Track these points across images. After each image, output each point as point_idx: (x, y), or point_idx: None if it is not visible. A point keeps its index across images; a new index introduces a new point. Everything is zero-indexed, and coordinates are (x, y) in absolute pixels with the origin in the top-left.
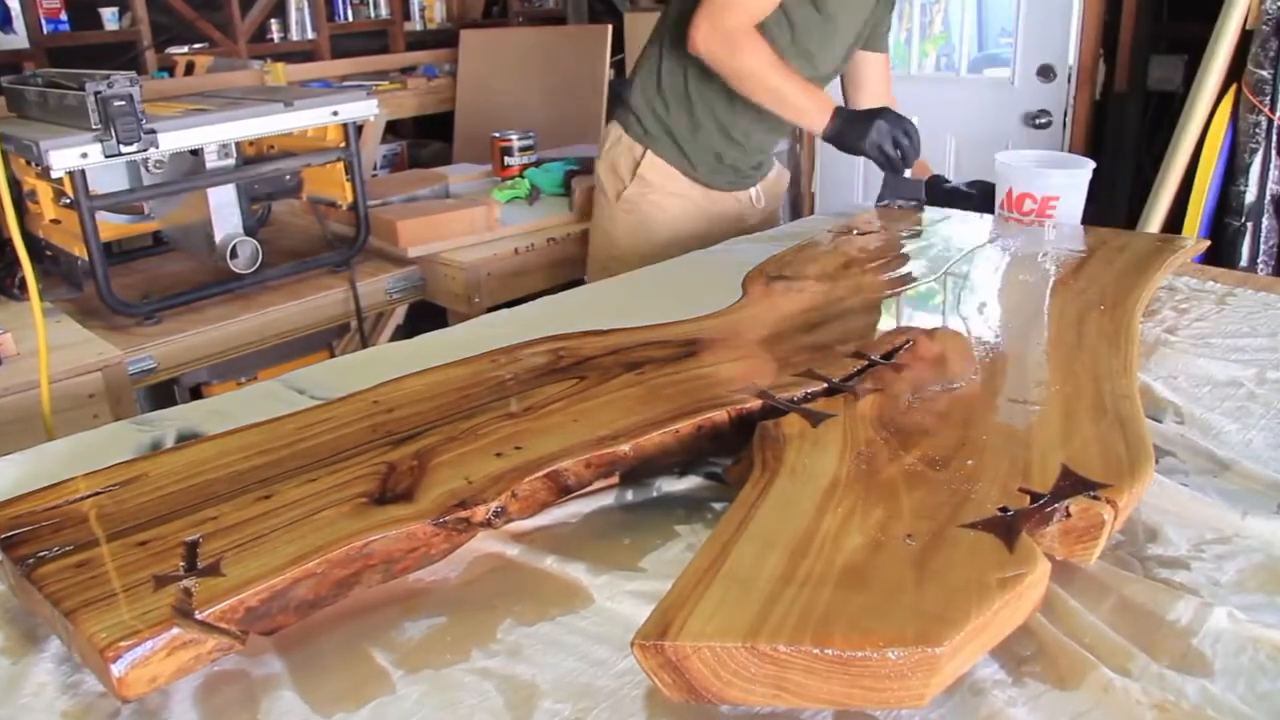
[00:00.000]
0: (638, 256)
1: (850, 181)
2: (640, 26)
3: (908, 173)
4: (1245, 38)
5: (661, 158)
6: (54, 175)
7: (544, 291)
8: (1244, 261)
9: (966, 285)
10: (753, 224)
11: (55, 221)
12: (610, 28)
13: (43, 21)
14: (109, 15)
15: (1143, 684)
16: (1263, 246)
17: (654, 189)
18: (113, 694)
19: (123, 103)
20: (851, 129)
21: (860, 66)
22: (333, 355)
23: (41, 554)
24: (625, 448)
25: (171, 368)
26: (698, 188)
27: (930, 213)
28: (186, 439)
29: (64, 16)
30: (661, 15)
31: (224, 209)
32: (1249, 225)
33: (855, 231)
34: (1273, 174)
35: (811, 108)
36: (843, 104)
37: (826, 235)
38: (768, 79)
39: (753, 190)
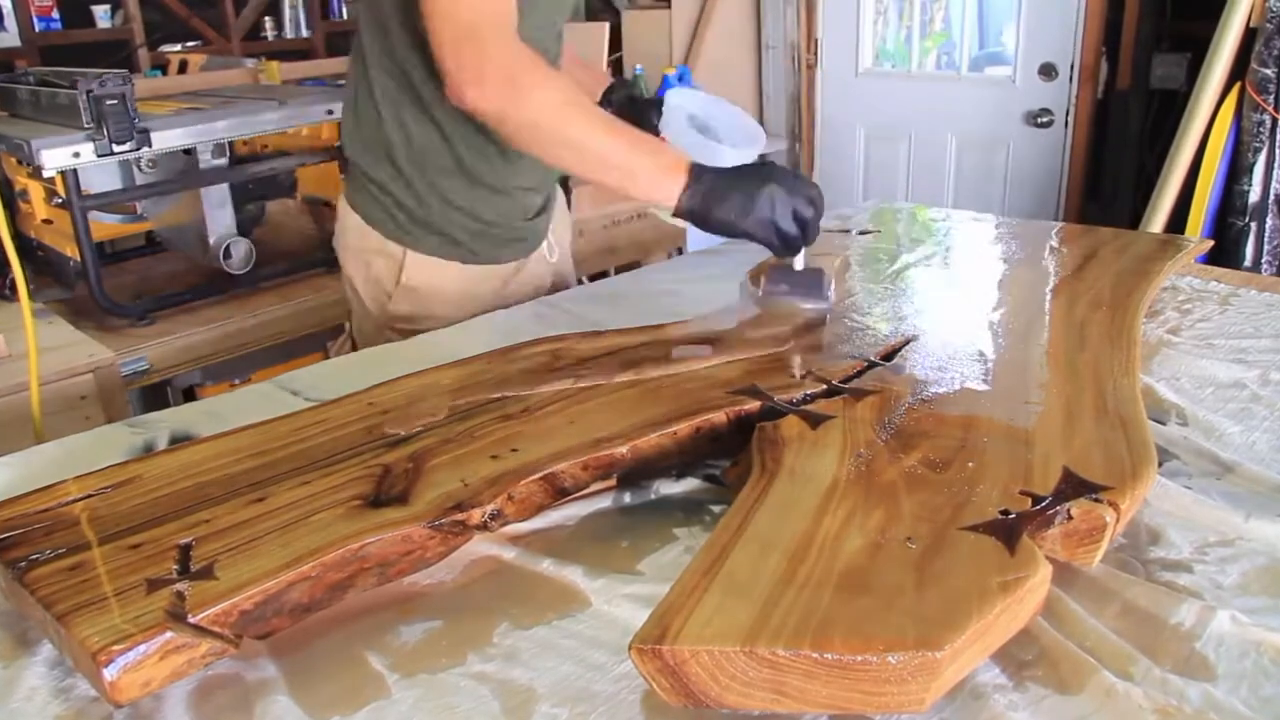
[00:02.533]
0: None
1: (851, 177)
2: (639, 24)
3: (802, 258)
4: (1249, 36)
5: (427, 254)
6: (46, 175)
7: None
8: (1248, 262)
9: (967, 285)
10: (554, 282)
11: (47, 221)
12: (608, 25)
13: (34, 19)
14: (101, 13)
15: (1145, 688)
16: (1267, 246)
17: (427, 296)
18: (105, 698)
19: (115, 101)
20: (724, 197)
21: None
22: (327, 356)
23: (33, 557)
24: (623, 450)
25: (164, 369)
26: (481, 268)
27: (931, 213)
28: (180, 441)
29: (56, 14)
30: (359, 38)
31: (217, 209)
32: (1253, 225)
33: (853, 231)
34: (1276, 173)
35: (647, 165)
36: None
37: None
38: (566, 128)
39: (544, 245)
